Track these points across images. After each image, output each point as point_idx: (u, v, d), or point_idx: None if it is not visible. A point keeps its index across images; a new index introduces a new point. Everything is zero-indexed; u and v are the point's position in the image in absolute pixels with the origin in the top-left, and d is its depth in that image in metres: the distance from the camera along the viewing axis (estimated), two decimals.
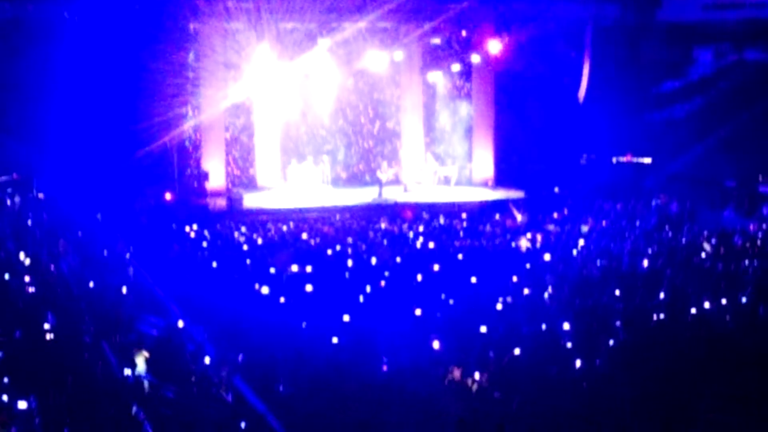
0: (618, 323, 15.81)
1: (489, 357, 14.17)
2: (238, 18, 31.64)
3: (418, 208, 30.45)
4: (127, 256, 21.70)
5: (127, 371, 13.70)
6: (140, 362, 14.15)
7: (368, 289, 18.43)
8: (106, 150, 29.75)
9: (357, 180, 36.53)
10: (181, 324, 15.96)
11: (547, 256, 21.74)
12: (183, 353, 14.64)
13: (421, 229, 26.80)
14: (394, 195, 32.93)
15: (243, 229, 26.90)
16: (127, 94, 29.93)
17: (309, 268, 20.22)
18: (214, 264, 21.24)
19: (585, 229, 25.61)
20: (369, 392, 13.25)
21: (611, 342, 14.90)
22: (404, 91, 36.54)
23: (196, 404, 13.15)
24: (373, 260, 21.22)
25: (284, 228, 27.31)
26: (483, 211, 30.29)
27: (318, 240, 24.87)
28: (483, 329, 15.27)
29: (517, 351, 14.21)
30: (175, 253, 22.50)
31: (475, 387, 13.55)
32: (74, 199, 27.24)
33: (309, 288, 18.40)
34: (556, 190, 32.31)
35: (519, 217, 27.93)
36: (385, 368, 14.21)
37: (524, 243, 24.04)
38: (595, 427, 12.30)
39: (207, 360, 13.99)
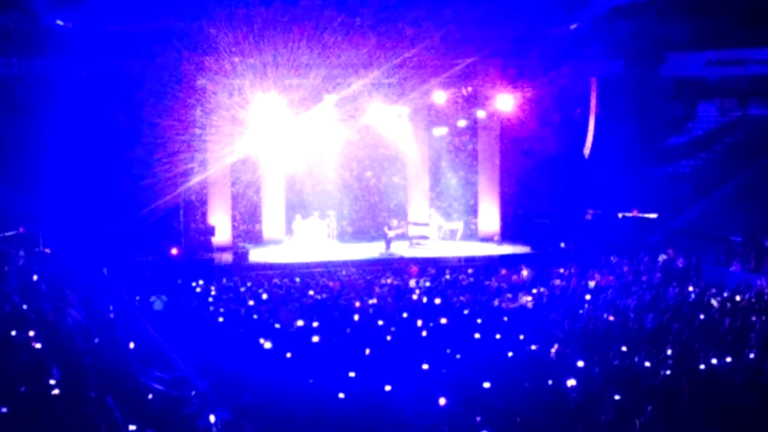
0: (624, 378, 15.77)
1: (495, 412, 14.12)
2: (244, 74, 31.92)
3: (423, 263, 30.43)
4: (133, 310, 21.72)
5: (132, 427, 13.64)
6: None
7: (374, 343, 18.41)
8: (112, 205, 29.95)
9: (363, 235, 36.51)
10: (186, 379, 15.95)
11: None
12: (188, 408, 14.59)
13: (427, 284, 26.75)
14: (399, 250, 32.95)
15: (249, 283, 26.88)
16: (134, 149, 30.19)
17: (315, 323, 20.19)
18: (220, 319, 21.24)
19: (591, 284, 25.58)
20: None
21: (617, 397, 14.85)
22: (410, 146, 36.60)
23: None
24: (380, 322, 21.13)
25: (290, 283, 27.30)
26: (489, 265, 30.24)
27: (324, 295, 24.84)
28: (486, 385, 15.23)
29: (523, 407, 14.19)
30: (181, 308, 22.49)
31: None
32: (80, 253, 27.27)
33: (315, 340, 18.42)
34: (562, 245, 32.27)
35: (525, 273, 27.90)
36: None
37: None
38: None
39: (212, 418, 13.94)
